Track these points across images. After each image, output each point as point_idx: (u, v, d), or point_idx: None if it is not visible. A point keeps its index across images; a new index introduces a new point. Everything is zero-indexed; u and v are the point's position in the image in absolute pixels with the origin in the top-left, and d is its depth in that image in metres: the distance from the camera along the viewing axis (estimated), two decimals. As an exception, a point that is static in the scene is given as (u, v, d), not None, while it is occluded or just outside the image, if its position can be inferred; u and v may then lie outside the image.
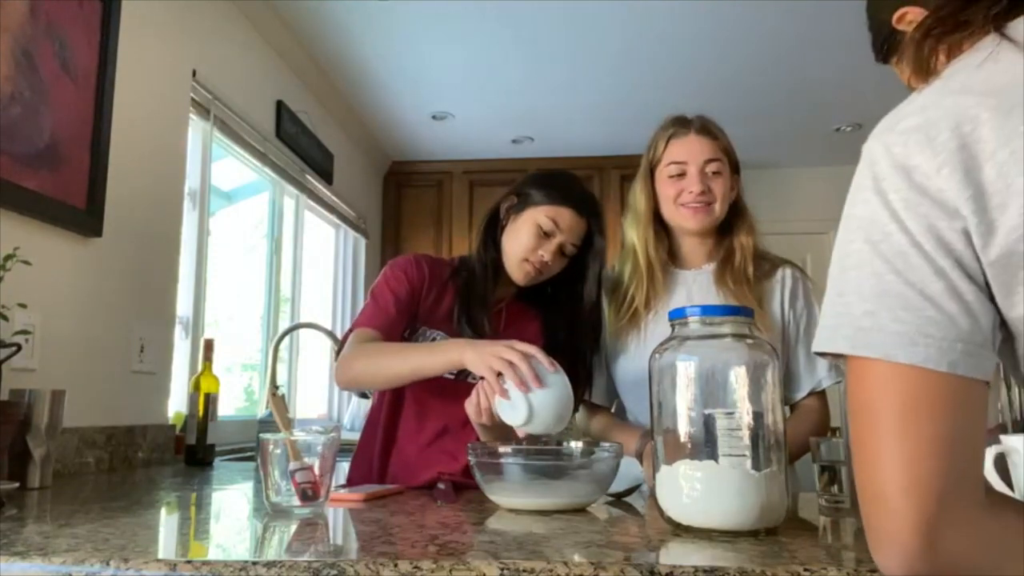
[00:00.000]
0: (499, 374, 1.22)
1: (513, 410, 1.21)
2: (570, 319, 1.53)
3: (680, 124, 1.55)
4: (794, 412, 1.54)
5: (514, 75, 3.49)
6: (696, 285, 1.54)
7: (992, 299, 0.62)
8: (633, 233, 1.57)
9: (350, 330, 1.50)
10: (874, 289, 0.64)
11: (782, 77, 3.48)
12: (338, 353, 1.55)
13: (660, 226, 1.57)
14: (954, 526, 0.60)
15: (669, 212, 1.54)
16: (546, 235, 1.46)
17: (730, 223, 1.55)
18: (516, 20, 2.99)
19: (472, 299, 1.49)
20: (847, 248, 0.67)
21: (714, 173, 1.50)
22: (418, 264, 1.55)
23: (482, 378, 1.26)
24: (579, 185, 1.55)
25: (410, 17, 2.96)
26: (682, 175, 1.50)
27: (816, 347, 0.69)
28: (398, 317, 1.48)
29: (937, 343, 0.61)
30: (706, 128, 1.53)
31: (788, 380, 1.53)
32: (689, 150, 1.51)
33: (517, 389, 1.20)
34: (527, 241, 1.47)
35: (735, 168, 1.55)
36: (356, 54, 3.28)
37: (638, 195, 1.57)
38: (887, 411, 0.62)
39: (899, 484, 0.60)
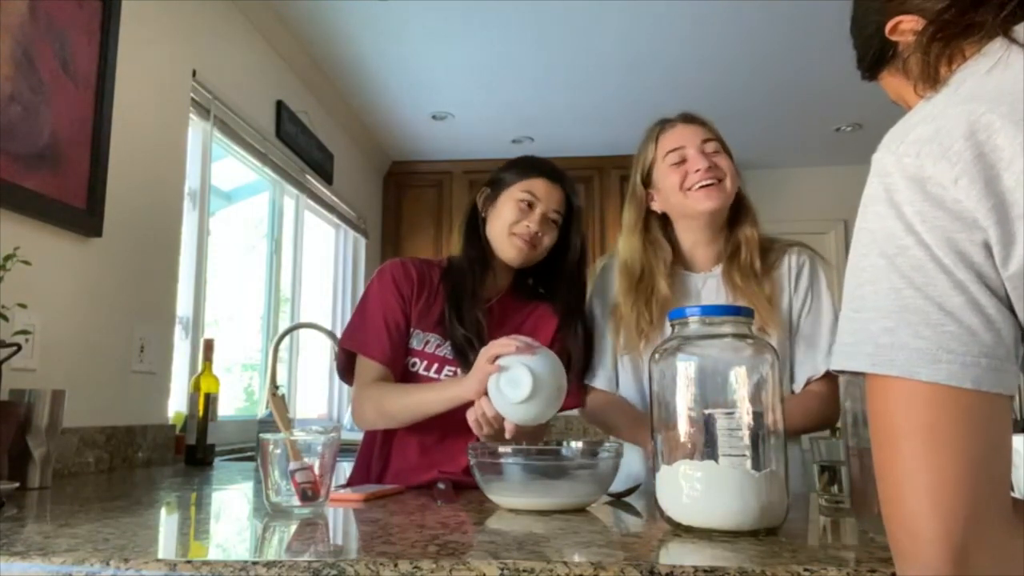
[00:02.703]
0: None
1: (516, 385, 1.23)
2: (564, 297, 1.54)
3: (665, 121, 1.54)
4: (796, 394, 1.49)
5: (514, 75, 3.49)
6: (705, 289, 1.52)
7: (1013, 311, 0.61)
8: (623, 245, 1.54)
9: (344, 346, 1.53)
10: (892, 305, 0.62)
11: (782, 77, 3.47)
12: (339, 367, 1.58)
13: (659, 233, 1.54)
14: (983, 548, 0.58)
15: (678, 201, 1.48)
16: (528, 207, 1.48)
17: (734, 216, 1.52)
18: (516, 20, 2.99)
19: (461, 297, 1.49)
20: (862, 263, 0.65)
21: (714, 151, 1.47)
22: (406, 270, 1.54)
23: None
24: (544, 159, 1.56)
25: (410, 17, 2.96)
26: (683, 161, 1.47)
27: (835, 365, 0.67)
28: (396, 340, 1.49)
29: (960, 359, 0.59)
30: (692, 117, 1.52)
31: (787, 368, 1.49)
32: (683, 135, 1.49)
33: (514, 360, 1.23)
34: (510, 216, 1.48)
35: (729, 156, 1.52)
36: (356, 54, 3.28)
37: (628, 208, 1.55)
38: (910, 431, 0.60)
39: (926, 507, 0.59)
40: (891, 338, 0.62)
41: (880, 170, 0.65)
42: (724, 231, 1.53)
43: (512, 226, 1.48)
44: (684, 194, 1.46)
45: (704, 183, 1.45)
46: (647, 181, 1.54)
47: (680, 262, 1.55)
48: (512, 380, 1.23)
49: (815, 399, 1.46)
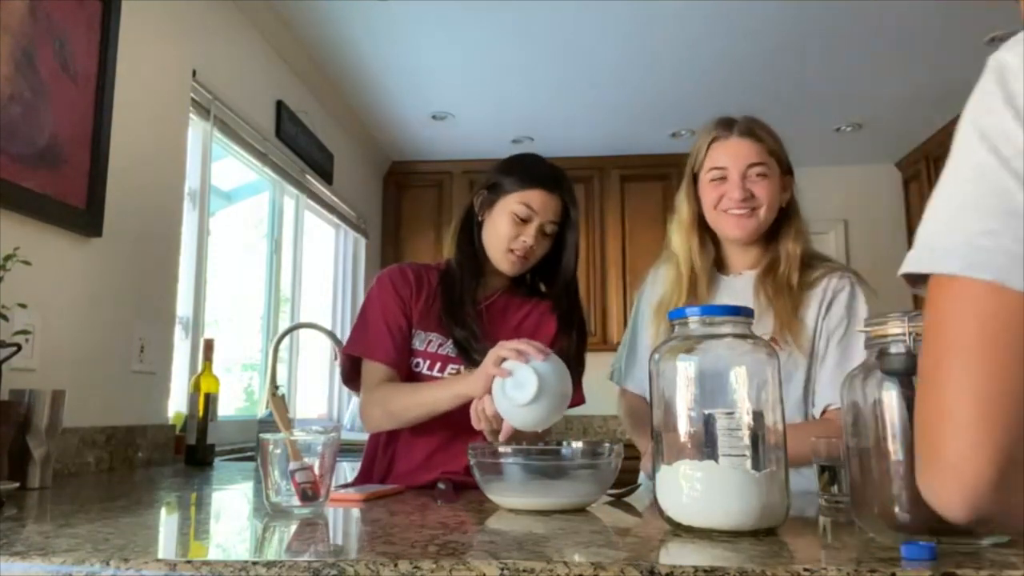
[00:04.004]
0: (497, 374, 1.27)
1: (522, 387, 1.23)
2: (560, 300, 1.55)
3: (723, 127, 1.48)
4: (815, 421, 1.44)
5: (514, 75, 3.49)
6: (730, 290, 1.50)
7: None
8: (677, 240, 1.54)
9: (348, 352, 1.53)
10: (998, 207, 0.57)
11: (782, 77, 3.47)
12: (343, 375, 1.58)
13: (707, 232, 1.53)
14: None
15: (711, 218, 1.49)
16: (523, 221, 1.47)
17: (778, 228, 1.49)
18: (516, 20, 2.99)
19: (456, 300, 1.50)
20: (968, 158, 0.60)
21: (758, 176, 1.44)
22: (403, 274, 1.55)
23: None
24: (544, 164, 1.55)
25: (410, 17, 2.96)
26: (723, 180, 1.45)
27: (912, 267, 0.62)
28: (399, 342, 1.49)
29: None
30: (750, 131, 1.47)
31: (809, 393, 1.45)
32: (730, 154, 1.45)
33: (520, 364, 1.24)
34: (506, 231, 1.48)
35: (786, 169, 1.49)
36: (356, 54, 3.28)
37: (682, 202, 1.54)
38: (985, 339, 0.57)
39: (978, 413, 0.56)
40: (993, 241, 0.57)
41: (999, 69, 0.61)
42: (761, 241, 1.51)
43: (509, 241, 1.48)
44: (717, 213, 1.47)
45: (735, 211, 1.44)
46: (696, 181, 1.53)
47: (715, 261, 1.55)
48: (518, 382, 1.23)
49: (836, 429, 1.36)
